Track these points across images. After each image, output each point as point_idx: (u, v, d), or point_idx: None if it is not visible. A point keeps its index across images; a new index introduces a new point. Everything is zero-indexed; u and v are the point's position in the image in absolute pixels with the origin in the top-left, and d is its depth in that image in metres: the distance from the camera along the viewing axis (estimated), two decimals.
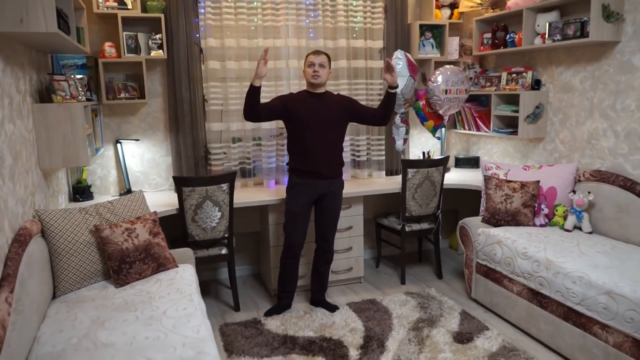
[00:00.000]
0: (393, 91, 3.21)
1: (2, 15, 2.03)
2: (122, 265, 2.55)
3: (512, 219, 3.37)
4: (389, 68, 3.15)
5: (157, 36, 3.51)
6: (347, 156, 4.20)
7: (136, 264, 2.59)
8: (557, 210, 3.35)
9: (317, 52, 3.19)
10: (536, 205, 3.38)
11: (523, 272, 2.97)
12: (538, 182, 3.40)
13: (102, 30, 3.53)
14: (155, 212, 2.86)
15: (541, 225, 3.35)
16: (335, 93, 3.36)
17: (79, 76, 3.15)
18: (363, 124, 3.61)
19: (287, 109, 3.17)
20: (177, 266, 2.78)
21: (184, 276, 2.64)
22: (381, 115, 3.28)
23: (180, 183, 3.16)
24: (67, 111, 2.64)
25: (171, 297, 2.37)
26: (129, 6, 3.46)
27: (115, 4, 3.42)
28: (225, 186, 3.25)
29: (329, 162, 3.21)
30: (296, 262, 3.33)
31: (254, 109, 3.07)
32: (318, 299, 3.45)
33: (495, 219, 3.42)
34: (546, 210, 3.37)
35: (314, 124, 3.15)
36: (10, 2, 2.03)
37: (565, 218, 3.30)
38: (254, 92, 3.03)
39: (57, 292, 2.45)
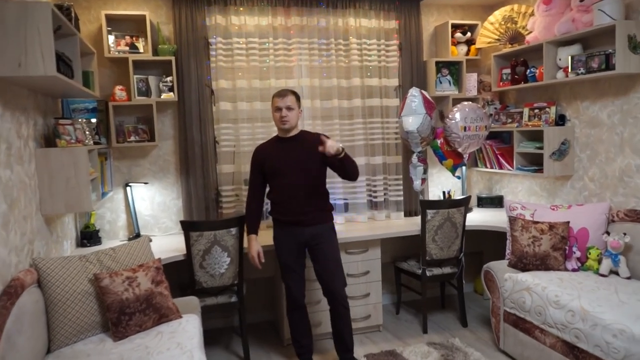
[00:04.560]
0: (341, 156, 2.78)
1: (1, 60, 1.99)
2: (121, 317, 2.40)
3: (541, 263, 3.13)
4: (322, 142, 2.77)
5: (168, 79, 3.48)
6: (363, 197, 4.05)
7: (136, 316, 2.44)
8: (590, 253, 3.10)
9: (282, 94, 2.91)
10: (567, 247, 3.14)
11: (556, 322, 2.71)
12: (568, 222, 3.17)
13: (113, 74, 3.53)
14: (159, 258, 2.72)
15: (573, 270, 3.10)
16: (314, 132, 3.10)
17: (87, 120, 3.13)
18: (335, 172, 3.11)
19: (261, 166, 3.00)
20: (181, 317, 2.62)
21: (186, 328, 2.47)
22: (340, 175, 2.96)
23: (188, 227, 3.04)
24: (71, 155, 2.57)
25: (171, 353, 2.20)
26: (141, 50, 3.45)
27: (127, 48, 3.42)
28: (234, 230, 3.12)
29: (309, 209, 2.92)
30: (303, 312, 3.09)
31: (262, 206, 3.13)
32: None
33: (522, 263, 3.18)
34: (578, 254, 3.12)
35: (286, 171, 2.92)
36: (9, 46, 1.99)
37: (599, 262, 3.04)
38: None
39: (52, 346, 2.30)
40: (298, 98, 2.99)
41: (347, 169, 2.88)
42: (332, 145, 2.70)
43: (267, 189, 3.09)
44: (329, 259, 3.00)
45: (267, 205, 3.20)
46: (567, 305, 2.66)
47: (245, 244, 3.15)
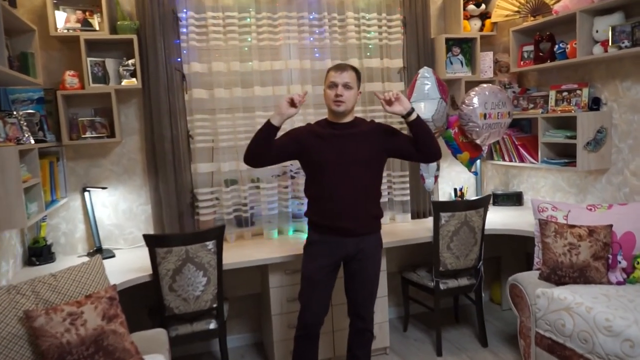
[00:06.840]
0: (412, 118, 2.35)
1: None
2: None
3: (579, 275, 2.61)
4: (388, 102, 2.34)
5: (130, 62, 2.90)
6: None
7: None
8: (638, 263, 2.59)
9: (340, 67, 2.38)
10: (610, 256, 2.63)
11: (608, 353, 2.20)
12: (610, 226, 2.66)
13: (64, 57, 2.94)
14: (114, 285, 2.17)
15: (618, 283, 2.59)
16: (369, 120, 2.59)
17: (27, 112, 2.57)
18: (407, 160, 2.75)
19: (301, 146, 2.41)
20: (142, 359, 2.08)
21: None
22: (418, 151, 2.41)
23: (153, 243, 2.48)
24: None
25: None
26: (96, 27, 2.87)
27: (78, 25, 2.84)
28: (211, 244, 2.57)
29: (358, 214, 2.40)
30: (314, 343, 2.52)
31: (263, 153, 2.36)
32: None
33: (557, 276, 2.66)
34: (624, 263, 2.61)
35: (336, 164, 2.36)
36: None
37: None
38: (269, 132, 2.32)
39: None
40: (359, 76, 2.45)
41: (424, 140, 2.36)
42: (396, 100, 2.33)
43: (304, 184, 2.54)
44: (368, 279, 2.49)
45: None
46: (622, 333, 2.14)
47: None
